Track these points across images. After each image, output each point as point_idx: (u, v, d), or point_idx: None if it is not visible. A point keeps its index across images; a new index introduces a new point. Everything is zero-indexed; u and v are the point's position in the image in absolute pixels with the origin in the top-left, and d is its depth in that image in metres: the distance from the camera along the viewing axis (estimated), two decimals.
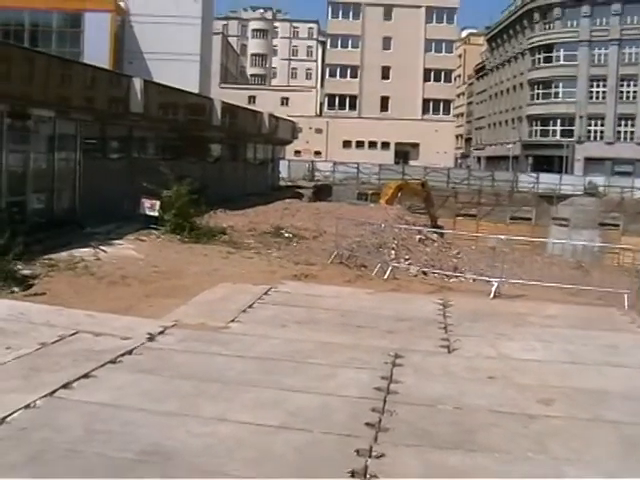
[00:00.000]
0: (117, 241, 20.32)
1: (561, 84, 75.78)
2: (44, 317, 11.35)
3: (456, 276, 20.49)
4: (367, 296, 15.08)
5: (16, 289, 13.60)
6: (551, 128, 76.42)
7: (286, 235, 24.54)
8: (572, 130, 74.15)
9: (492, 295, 15.69)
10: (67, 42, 48.42)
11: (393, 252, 22.32)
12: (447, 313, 13.30)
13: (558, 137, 74.69)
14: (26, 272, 14.95)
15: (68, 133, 22.65)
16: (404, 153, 76.81)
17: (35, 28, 49.53)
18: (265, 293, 14.26)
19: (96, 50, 45.21)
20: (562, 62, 75.66)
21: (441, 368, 9.66)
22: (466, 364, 9.90)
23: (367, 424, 7.29)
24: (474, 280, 19.41)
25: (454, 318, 12.83)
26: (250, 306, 13.03)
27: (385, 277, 17.60)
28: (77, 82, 22.98)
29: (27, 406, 7.40)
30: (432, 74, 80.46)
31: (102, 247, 18.90)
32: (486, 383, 9.06)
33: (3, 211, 16.72)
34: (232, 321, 11.82)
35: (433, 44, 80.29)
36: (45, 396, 7.71)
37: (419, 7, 79.79)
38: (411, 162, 73.18)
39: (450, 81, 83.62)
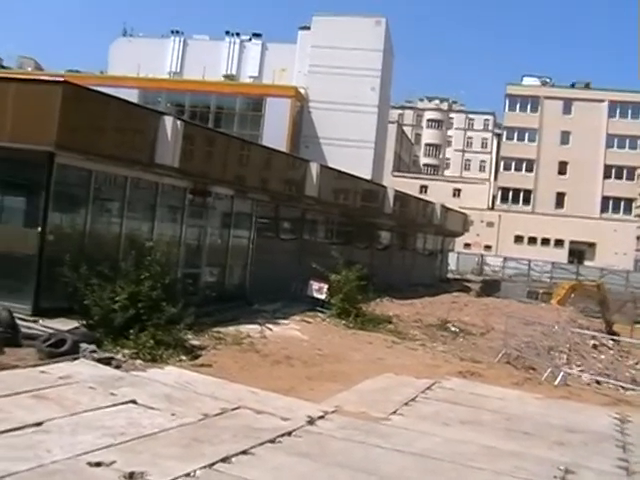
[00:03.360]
0: (283, 320, 20.64)
1: None
2: (209, 389, 11.55)
3: (634, 389, 19.02)
4: (535, 401, 14.24)
5: (184, 358, 14.01)
6: None
7: (452, 329, 23.98)
8: None
9: None
10: (248, 124, 50.87)
11: (565, 357, 21.14)
12: (625, 430, 12.23)
13: None
14: (195, 342, 15.41)
15: (244, 211, 23.51)
16: (579, 252, 74.00)
17: (220, 110, 52.54)
18: (428, 388, 13.85)
19: (275, 133, 47.20)
20: None
21: None
22: None
23: None
24: None
25: (634, 437, 11.72)
26: (413, 400, 12.66)
27: (555, 383, 16.63)
28: (256, 163, 23.90)
29: (187, 475, 7.45)
30: (613, 171, 77.87)
31: (268, 325, 19.23)
32: None
33: (178, 282, 17.35)
34: (393, 413, 11.49)
35: (615, 140, 77.98)
36: (204, 467, 7.73)
37: (601, 101, 78.14)
38: (586, 262, 70.37)
39: (633, 179, 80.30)
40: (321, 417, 10.53)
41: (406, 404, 12.26)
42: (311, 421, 10.22)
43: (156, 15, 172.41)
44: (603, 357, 25.50)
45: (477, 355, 19.74)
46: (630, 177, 79.32)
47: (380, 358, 17.07)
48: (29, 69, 69.81)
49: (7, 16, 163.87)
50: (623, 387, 18.93)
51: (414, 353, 18.75)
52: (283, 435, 9.32)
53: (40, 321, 14.71)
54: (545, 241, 74.48)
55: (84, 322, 14.41)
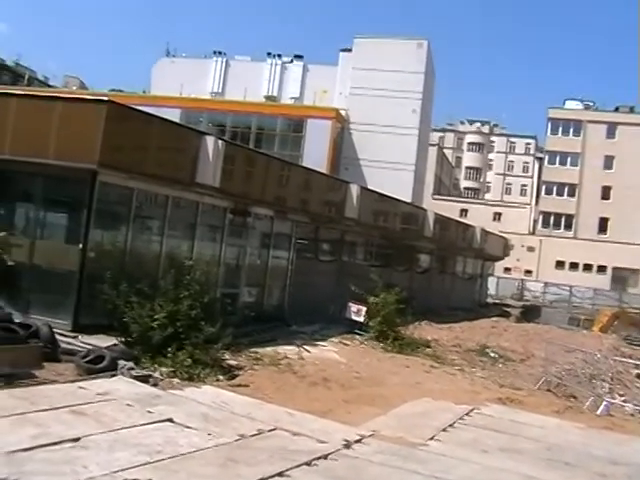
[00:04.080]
0: (321, 342, 20.63)
1: None
2: (246, 409, 11.49)
3: None
4: (577, 431, 13.87)
5: (221, 377, 14.03)
6: None
7: (492, 355, 23.65)
8: None
9: None
10: (288, 145, 50.83)
11: (607, 386, 20.70)
12: None
13: None
14: (232, 362, 15.44)
15: (283, 232, 23.57)
16: (622, 279, 72.41)
17: (260, 131, 52.58)
18: (467, 414, 13.62)
19: (315, 155, 47.11)
20: None
21: None
22: None
23: None
24: None
25: None
26: (451, 425, 12.46)
27: (598, 412, 16.26)
28: (296, 184, 23.96)
29: None
30: None
31: (306, 347, 19.20)
32: None
33: (217, 301, 17.40)
34: (431, 439, 11.30)
35: None
36: None
37: None
38: (629, 289, 68.96)
39: None
40: (358, 441, 10.39)
41: (444, 430, 12.06)
42: (348, 445, 10.09)
43: (199, 36, 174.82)
44: None
45: (517, 382, 19.44)
46: None
47: (418, 382, 16.91)
48: (74, 88, 71.03)
49: (53, 35, 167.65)
50: None
51: (453, 378, 18.55)
52: (319, 458, 9.21)
53: (79, 337, 14.85)
54: (587, 267, 73.15)
55: (123, 339, 14.50)
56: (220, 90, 57.88)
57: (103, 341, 14.46)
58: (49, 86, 74.38)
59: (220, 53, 59.46)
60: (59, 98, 18.34)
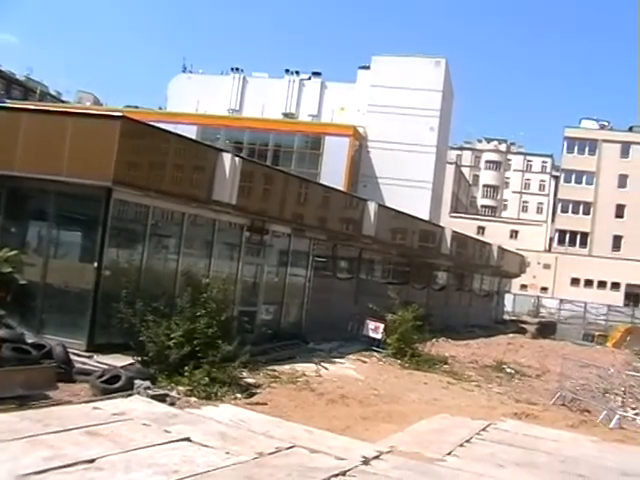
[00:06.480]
0: (339, 360, 20.59)
1: None
2: (264, 427, 11.43)
3: None
4: (590, 444, 13.91)
5: (239, 395, 13.98)
6: None
7: (508, 371, 23.63)
8: None
9: None
10: (306, 163, 50.57)
11: (620, 399, 20.63)
12: None
13: None
14: (250, 380, 15.40)
15: (301, 250, 23.50)
16: (635, 295, 72.18)
17: (278, 148, 52.33)
18: (484, 429, 13.58)
19: (333, 172, 46.99)
20: None
21: None
22: None
23: None
24: None
25: None
26: (467, 441, 12.41)
27: (611, 426, 16.25)
28: (313, 202, 23.85)
29: None
30: None
31: (324, 364, 19.15)
32: None
33: (234, 319, 17.36)
34: (448, 454, 11.27)
35: None
36: None
37: None
38: None
39: None
40: (376, 457, 10.34)
41: (461, 445, 12.03)
42: (366, 461, 10.03)
43: (216, 52, 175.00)
44: None
45: (533, 397, 19.47)
46: None
47: (436, 399, 16.90)
48: (87, 104, 71.17)
49: (66, 50, 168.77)
50: None
51: (470, 394, 18.53)
52: (337, 475, 9.15)
53: (94, 357, 14.78)
54: (601, 284, 73.10)
55: (139, 358, 14.48)
56: (237, 107, 57.97)
57: (119, 360, 14.41)
58: (62, 101, 74.27)
59: (237, 69, 59.50)
60: (71, 114, 18.37)
